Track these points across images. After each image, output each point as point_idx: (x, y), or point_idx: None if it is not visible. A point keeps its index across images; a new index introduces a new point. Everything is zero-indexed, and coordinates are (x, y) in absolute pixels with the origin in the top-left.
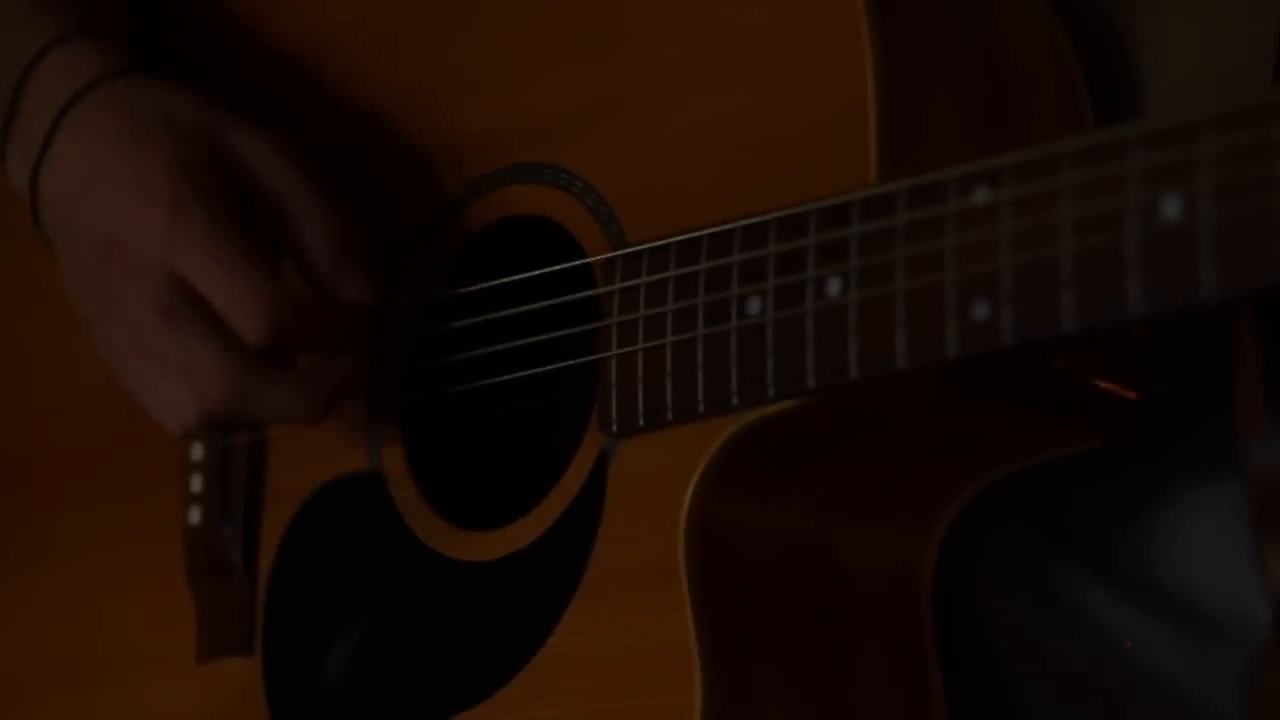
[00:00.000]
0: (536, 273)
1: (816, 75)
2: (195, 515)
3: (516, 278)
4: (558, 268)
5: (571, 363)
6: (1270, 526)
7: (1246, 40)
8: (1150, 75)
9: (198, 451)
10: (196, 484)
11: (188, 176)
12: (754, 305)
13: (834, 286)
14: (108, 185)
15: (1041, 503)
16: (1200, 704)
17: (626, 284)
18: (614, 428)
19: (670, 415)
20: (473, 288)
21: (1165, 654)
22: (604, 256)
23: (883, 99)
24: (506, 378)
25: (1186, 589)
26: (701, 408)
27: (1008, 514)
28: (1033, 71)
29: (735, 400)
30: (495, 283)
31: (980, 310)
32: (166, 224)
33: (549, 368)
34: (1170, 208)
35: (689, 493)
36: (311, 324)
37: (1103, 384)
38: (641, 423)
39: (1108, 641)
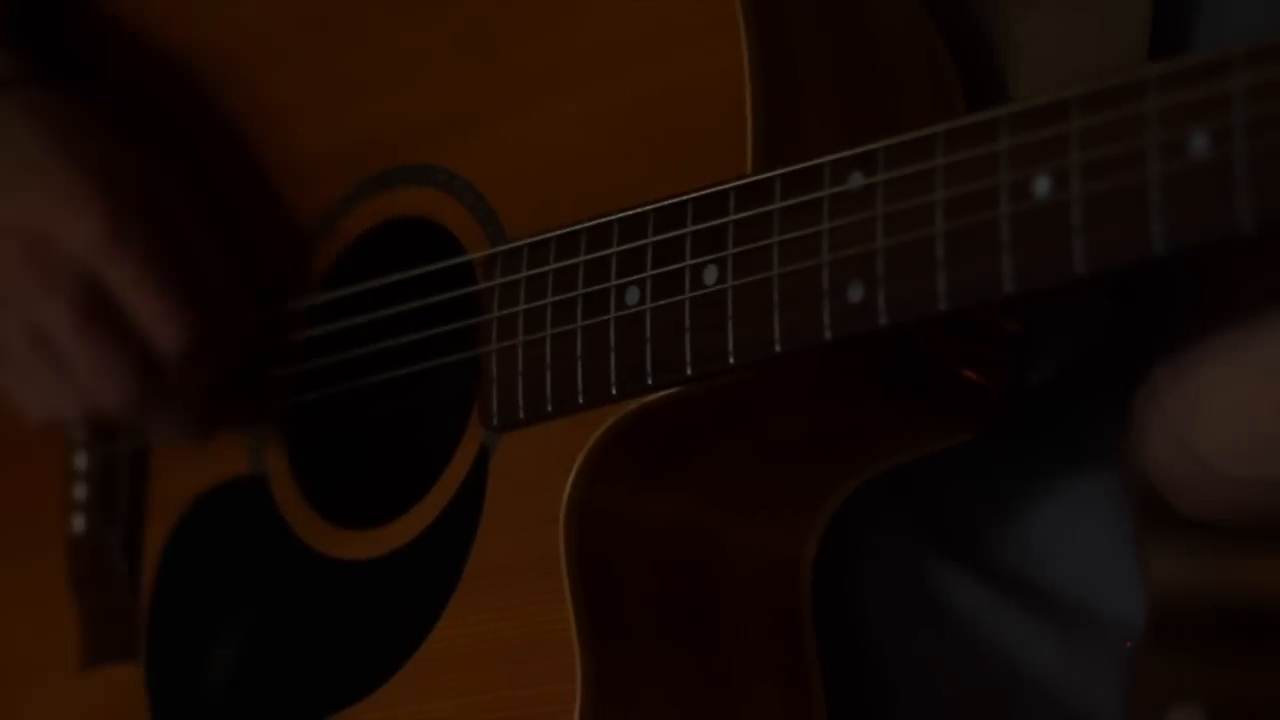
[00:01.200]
0: (415, 272)
1: (694, 69)
2: (78, 523)
3: (395, 278)
4: (436, 266)
5: (451, 359)
6: (1151, 522)
7: (1114, 37)
8: (1018, 72)
9: (81, 460)
10: (80, 492)
11: (122, 192)
12: (633, 295)
13: (711, 274)
14: (34, 180)
15: (920, 498)
16: (1080, 702)
17: (506, 279)
18: (494, 422)
19: (550, 408)
20: (352, 289)
21: (1045, 652)
22: (484, 253)
23: (759, 92)
24: (386, 376)
25: (1067, 586)
26: (581, 399)
27: (887, 510)
28: (906, 67)
29: (614, 391)
30: (374, 284)
31: (855, 292)
32: (106, 234)
33: (428, 364)
34: (1041, 185)
35: (569, 484)
36: (219, 346)
37: (977, 375)
38: (522, 416)
39: (986, 639)
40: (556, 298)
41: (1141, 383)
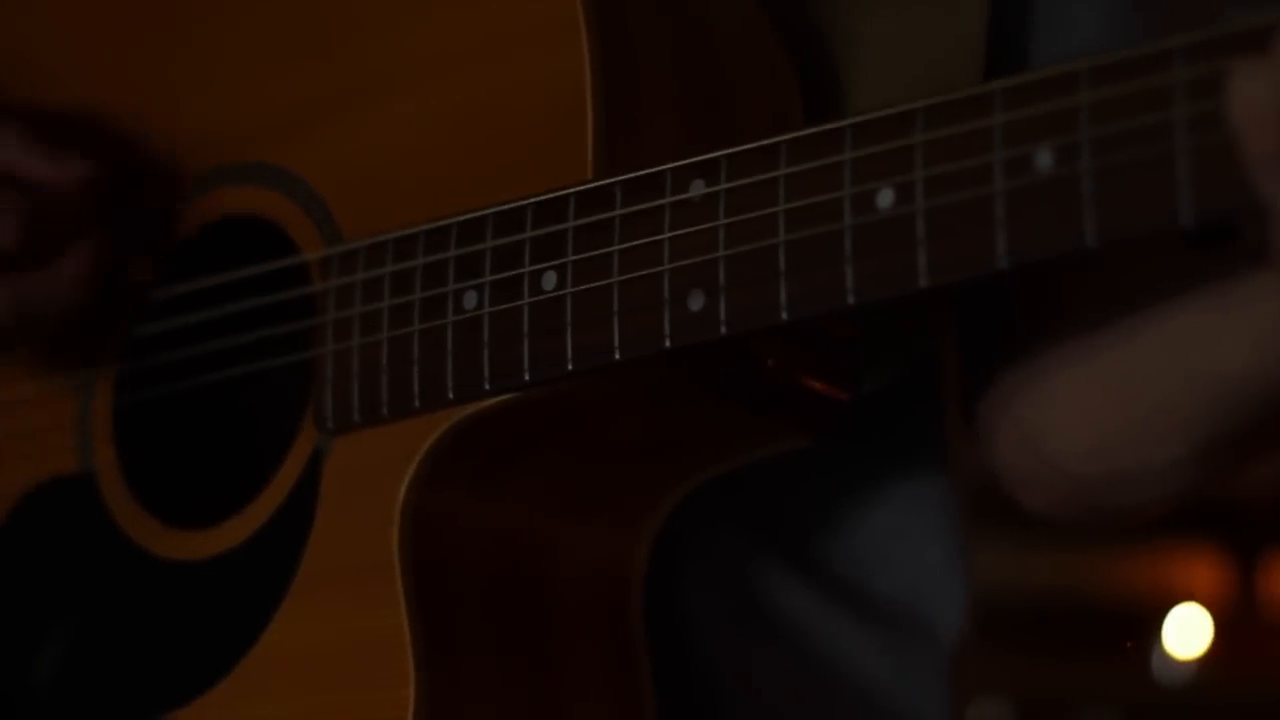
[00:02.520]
0: (246, 272)
1: (535, 72)
2: None
3: (225, 278)
4: (268, 267)
5: (285, 360)
6: (981, 521)
7: (951, 43)
8: (856, 76)
9: None
10: None
11: None
12: (470, 300)
13: (550, 280)
14: None
15: (749, 502)
16: (907, 708)
17: (342, 281)
18: (329, 424)
19: (386, 411)
20: (184, 288)
21: (873, 658)
22: (320, 255)
23: (599, 95)
24: (219, 376)
25: (896, 593)
26: (417, 403)
27: (717, 514)
28: (745, 71)
29: (451, 395)
30: (206, 283)
31: (696, 301)
32: None
33: (261, 365)
34: (885, 197)
35: (403, 488)
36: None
37: (812, 382)
38: (357, 419)
39: (814, 645)
40: (393, 301)
41: (978, 389)
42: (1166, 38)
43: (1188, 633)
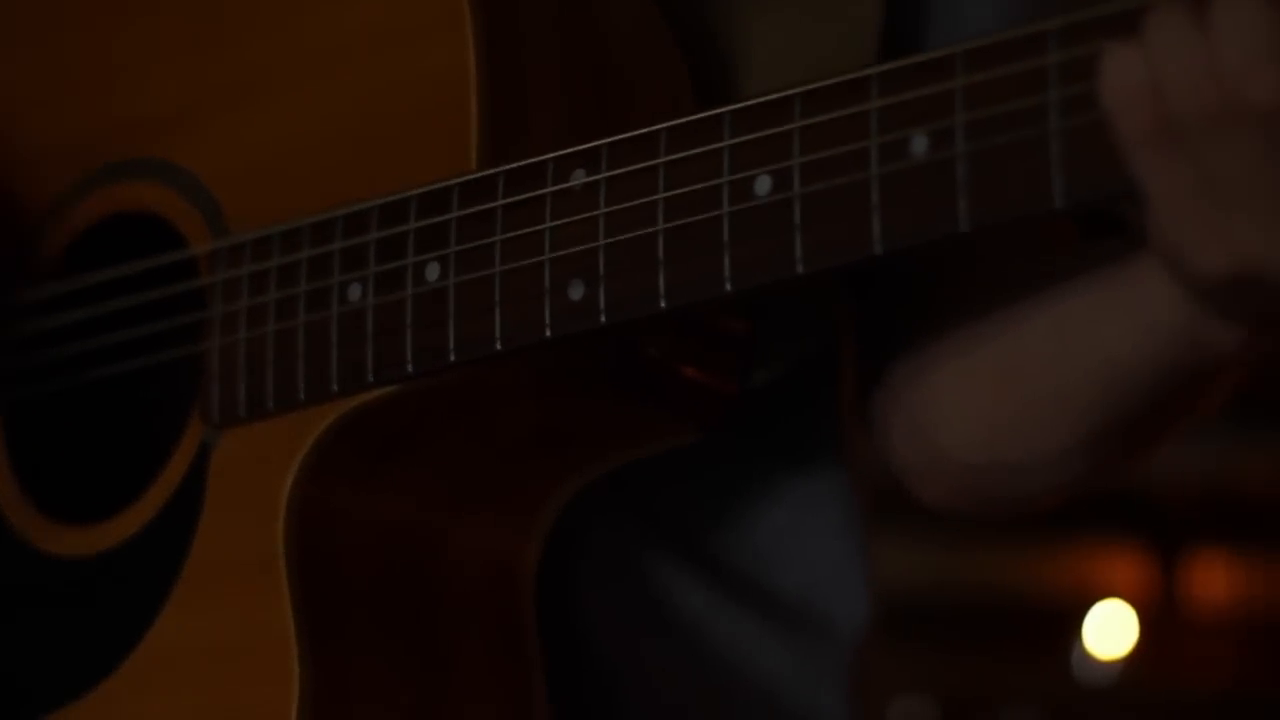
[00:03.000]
0: (132, 267)
1: (420, 65)
2: None
3: (113, 273)
4: (155, 261)
5: (172, 355)
6: (883, 519)
7: (845, 38)
8: (750, 72)
9: None
10: None
11: None
12: (355, 292)
13: (433, 271)
14: None
15: (646, 500)
16: (807, 705)
17: (229, 275)
18: (215, 418)
19: (271, 405)
20: (73, 284)
21: (772, 655)
22: (207, 249)
23: (484, 88)
24: (107, 371)
25: (794, 589)
26: (302, 396)
27: (611, 510)
28: (636, 67)
29: (336, 387)
30: (95, 278)
31: (576, 290)
32: None
33: (148, 360)
34: (763, 184)
35: (289, 481)
36: None
37: (702, 375)
38: (243, 413)
39: (712, 643)
40: (280, 294)
41: (872, 381)
42: (1039, 20)
43: (1109, 631)
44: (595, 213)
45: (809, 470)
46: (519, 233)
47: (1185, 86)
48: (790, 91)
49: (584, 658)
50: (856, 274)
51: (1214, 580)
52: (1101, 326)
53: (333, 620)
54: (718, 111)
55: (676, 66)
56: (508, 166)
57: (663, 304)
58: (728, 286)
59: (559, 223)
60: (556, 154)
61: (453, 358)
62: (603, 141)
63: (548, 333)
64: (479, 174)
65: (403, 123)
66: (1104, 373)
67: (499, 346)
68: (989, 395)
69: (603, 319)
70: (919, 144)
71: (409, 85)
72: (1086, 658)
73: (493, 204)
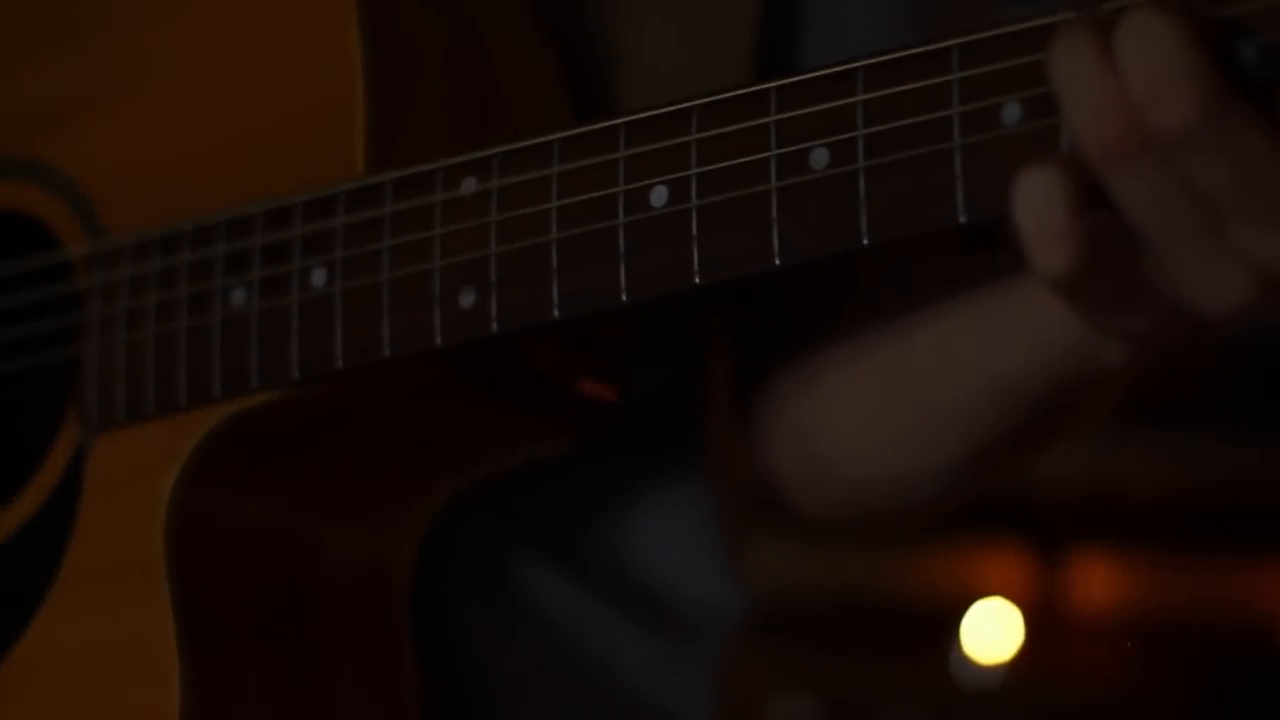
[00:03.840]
0: (8, 269)
1: (307, 67)
2: None
3: None
4: (32, 264)
5: (47, 358)
6: (760, 522)
7: (724, 44)
8: (630, 80)
9: None
10: None
11: None
12: (239, 297)
13: (319, 277)
14: None
15: (516, 506)
16: (676, 705)
17: (109, 277)
18: (94, 421)
19: (152, 408)
20: None
21: (639, 659)
22: (84, 252)
23: (372, 92)
24: None
25: (661, 594)
26: (184, 400)
27: (483, 517)
28: (517, 76)
29: (218, 392)
30: None
31: (466, 298)
32: None
33: (23, 363)
34: (659, 194)
35: (169, 485)
36: None
37: (579, 383)
38: (121, 415)
39: (580, 648)
40: (161, 298)
41: (752, 390)
42: (942, 36)
43: (989, 632)
44: (487, 220)
45: (681, 477)
46: (408, 239)
47: (1093, 114)
48: (688, 103)
49: (457, 661)
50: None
51: (1096, 582)
52: (989, 341)
53: (212, 623)
54: (613, 122)
55: (555, 74)
56: (396, 174)
57: (556, 313)
58: (623, 297)
59: (449, 230)
60: (447, 161)
61: (340, 364)
62: (495, 150)
63: (438, 340)
64: (367, 181)
65: (287, 125)
66: (991, 387)
67: (387, 353)
68: (875, 409)
69: (494, 327)
70: (819, 157)
71: (294, 87)
72: (964, 659)
73: (381, 210)
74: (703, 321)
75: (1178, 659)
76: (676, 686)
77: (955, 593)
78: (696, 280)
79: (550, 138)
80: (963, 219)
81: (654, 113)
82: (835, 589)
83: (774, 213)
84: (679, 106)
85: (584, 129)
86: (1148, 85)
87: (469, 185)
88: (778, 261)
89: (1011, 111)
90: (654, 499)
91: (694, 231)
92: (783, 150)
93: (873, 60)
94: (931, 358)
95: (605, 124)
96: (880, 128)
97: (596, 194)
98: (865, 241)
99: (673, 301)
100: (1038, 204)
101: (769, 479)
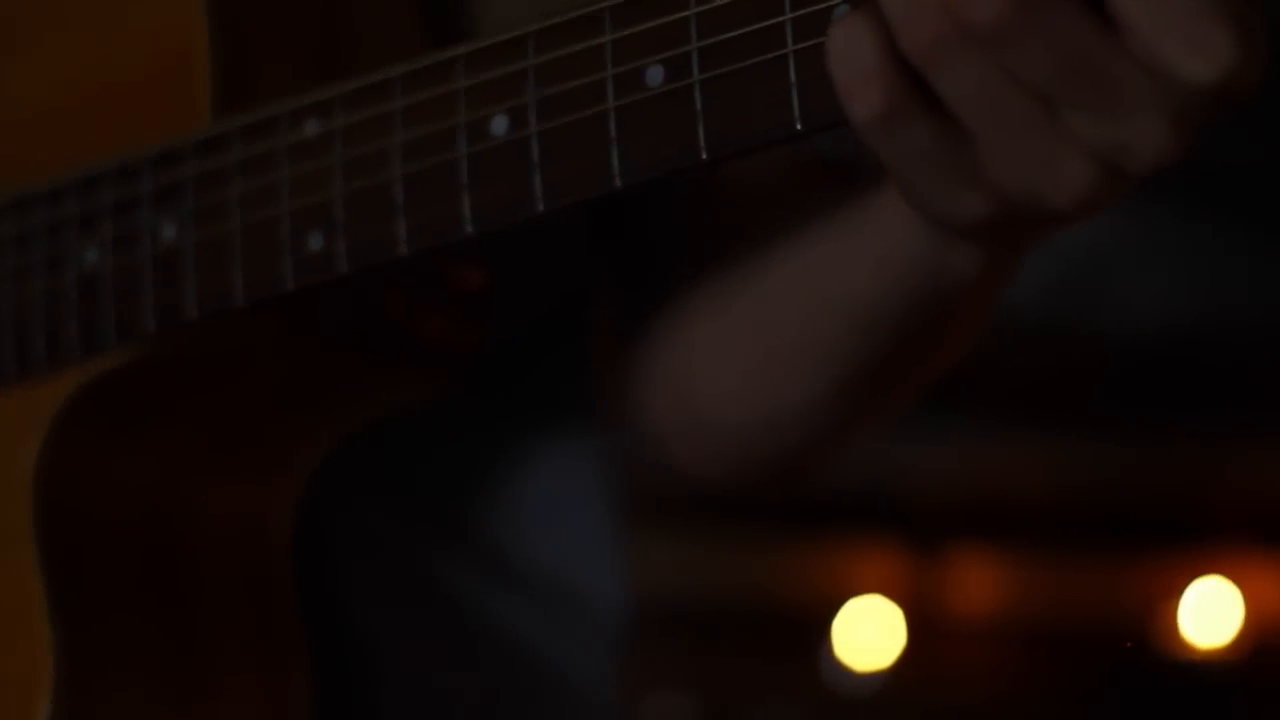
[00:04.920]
0: None
1: (151, 22)
2: None
3: None
4: None
5: None
6: (646, 516)
7: None
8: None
9: None
10: None
11: None
12: (92, 256)
13: (170, 230)
14: None
15: (399, 470)
16: (569, 679)
17: None
18: None
19: (13, 374)
20: None
21: (535, 629)
22: None
23: (216, 43)
24: None
25: (550, 562)
26: (44, 364)
27: (368, 482)
28: (369, 15)
29: (78, 352)
30: None
31: (315, 241)
32: None
33: None
34: (499, 124)
35: (36, 450)
36: None
37: (440, 326)
38: None
39: (473, 615)
40: (14, 261)
41: (625, 338)
42: None
43: (866, 631)
44: (331, 162)
45: (564, 435)
46: (255, 186)
47: (909, 14)
48: (525, 30)
49: (347, 630)
50: (608, 223)
51: (974, 582)
52: (842, 265)
53: (86, 589)
54: (450, 54)
55: (410, 13)
56: (240, 122)
57: (403, 250)
58: (469, 228)
59: (295, 174)
60: (290, 106)
61: (195, 314)
62: (335, 91)
63: (290, 285)
64: (212, 132)
65: (136, 80)
66: (847, 312)
67: (241, 301)
68: (742, 349)
69: (343, 268)
70: (655, 74)
71: (138, 45)
72: (835, 660)
73: (227, 159)
74: (583, 270)
75: (1059, 661)
76: (573, 660)
77: (831, 591)
78: (539, 207)
79: (389, 74)
80: (799, 126)
81: (490, 42)
82: (710, 586)
83: (612, 133)
84: (516, 34)
85: (424, 62)
86: None
87: (312, 127)
88: (618, 182)
89: (843, 12)
90: (538, 459)
91: (535, 158)
92: (619, 70)
93: None
94: (790, 291)
95: (443, 56)
96: (713, 40)
97: (438, 127)
98: (704, 156)
99: (520, 230)
100: (847, 50)
101: (647, 432)
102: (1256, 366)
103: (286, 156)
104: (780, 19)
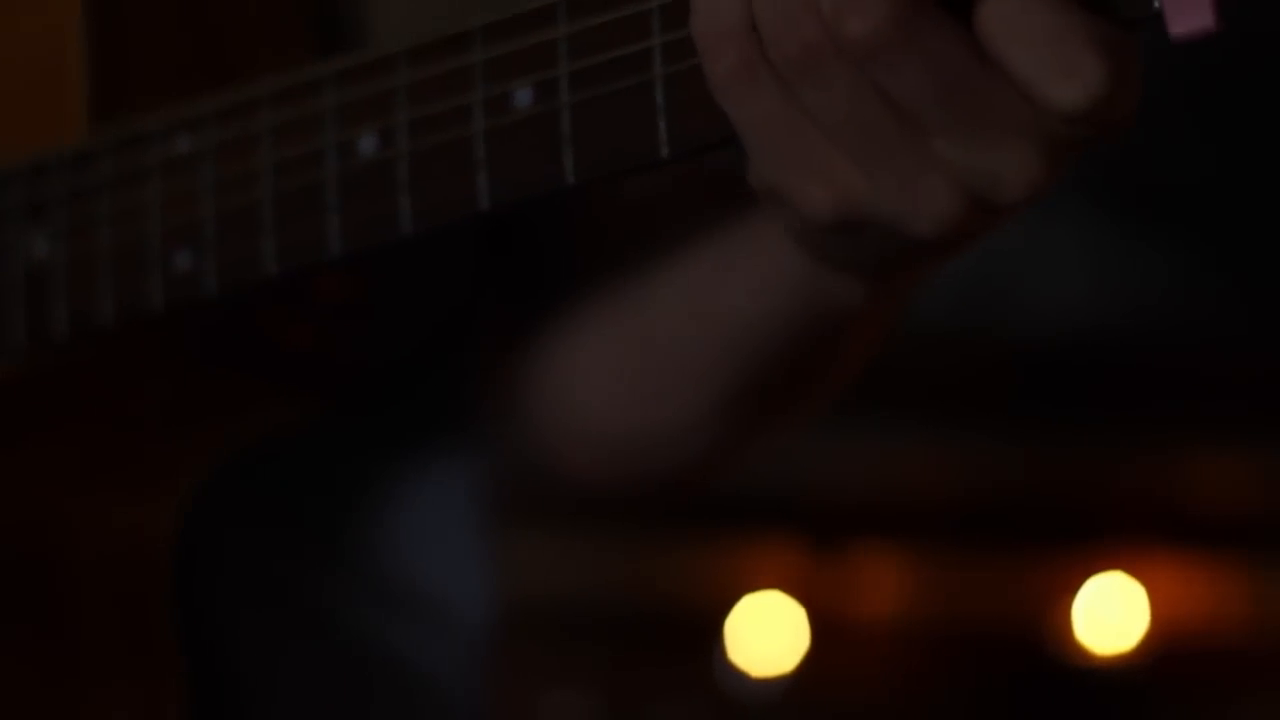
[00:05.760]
0: None
1: (30, 30)
2: None
3: None
4: None
5: None
6: (522, 514)
7: None
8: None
9: None
10: None
11: None
12: None
13: (42, 247)
14: None
15: (276, 489)
16: (440, 691)
17: None
18: None
19: None
20: None
21: (408, 649)
22: None
23: (94, 54)
24: None
25: (424, 581)
26: None
27: (246, 500)
28: (253, 27)
29: None
30: None
31: (183, 260)
32: None
33: None
34: (367, 143)
35: None
36: None
37: (313, 340)
38: None
39: (347, 636)
40: None
41: (511, 351)
42: None
43: (766, 628)
44: (200, 180)
45: (442, 450)
46: (126, 203)
47: (782, 21)
48: (395, 49)
49: (221, 648)
50: (495, 237)
51: (875, 583)
52: (723, 285)
53: None
54: (321, 73)
55: (298, 26)
56: (115, 136)
57: (270, 270)
58: (335, 249)
59: (165, 191)
60: (162, 122)
61: (65, 336)
62: (208, 107)
63: (160, 306)
64: (85, 146)
65: (13, 91)
66: (728, 333)
67: (110, 322)
68: (628, 363)
69: (212, 288)
70: (523, 97)
71: (19, 52)
72: (726, 663)
73: (99, 176)
74: (466, 283)
75: (961, 662)
76: (447, 680)
77: (728, 588)
78: (405, 230)
79: (259, 92)
80: (665, 151)
81: (362, 60)
82: (605, 583)
83: (480, 156)
84: (386, 53)
85: (292, 82)
86: None
87: (183, 143)
88: (485, 205)
89: None
90: (417, 479)
91: (402, 179)
92: (488, 91)
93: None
94: (671, 310)
95: (314, 74)
96: (583, 63)
97: (306, 147)
98: (571, 180)
99: (386, 251)
100: (709, 9)
101: (537, 444)
102: (1161, 366)
103: (159, 173)
104: (649, 44)
